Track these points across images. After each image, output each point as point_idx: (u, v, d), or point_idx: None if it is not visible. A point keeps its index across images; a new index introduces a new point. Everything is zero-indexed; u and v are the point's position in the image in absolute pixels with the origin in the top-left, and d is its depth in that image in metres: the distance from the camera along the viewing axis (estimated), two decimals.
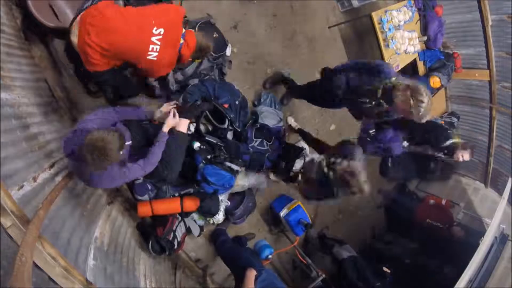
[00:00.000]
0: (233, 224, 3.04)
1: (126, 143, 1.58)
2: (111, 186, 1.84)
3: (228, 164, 2.57)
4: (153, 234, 2.44)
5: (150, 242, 2.39)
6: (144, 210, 2.40)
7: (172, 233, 2.52)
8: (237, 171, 2.61)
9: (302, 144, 3.55)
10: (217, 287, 3.09)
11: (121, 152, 1.47)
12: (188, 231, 2.76)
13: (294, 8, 3.50)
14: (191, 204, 2.58)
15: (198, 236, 2.86)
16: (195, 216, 2.80)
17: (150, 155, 1.71)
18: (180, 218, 2.67)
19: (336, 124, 4.02)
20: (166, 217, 2.55)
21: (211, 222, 2.86)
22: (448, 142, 2.73)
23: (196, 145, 2.55)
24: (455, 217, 4.30)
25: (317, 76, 3.50)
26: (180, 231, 2.62)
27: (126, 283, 1.97)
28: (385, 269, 3.21)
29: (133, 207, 2.50)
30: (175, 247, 2.51)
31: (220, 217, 2.84)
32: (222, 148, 2.59)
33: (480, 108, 4.23)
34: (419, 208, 4.39)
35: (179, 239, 2.56)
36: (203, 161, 2.51)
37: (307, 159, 2.60)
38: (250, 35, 3.17)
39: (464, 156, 2.70)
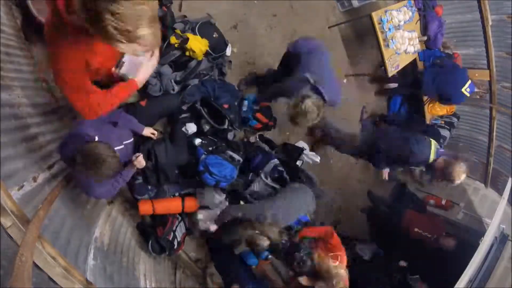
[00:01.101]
0: None
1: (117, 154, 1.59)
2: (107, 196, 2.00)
3: (230, 153, 2.57)
4: (153, 234, 2.44)
5: (150, 242, 2.39)
6: (146, 208, 2.41)
7: (172, 233, 2.52)
8: (238, 161, 2.59)
9: (303, 144, 3.55)
10: (217, 287, 3.09)
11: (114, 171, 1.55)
12: (188, 231, 2.76)
13: (294, 8, 3.50)
14: (191, 204, 2.58)
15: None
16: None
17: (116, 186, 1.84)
18: (180, 218, 2.66)
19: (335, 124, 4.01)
20: (166, 217, 2.55)
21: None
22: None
23: (198, 141, 2.57)
24: (455, 217, 4.30)
25: None
26: (180, 231, 2.62)
27: (126, 283, 1.97)
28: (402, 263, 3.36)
29: (133, 207, 2.50)
30: (175, 247, 2.51)
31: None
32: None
33: (480, 108, 4.23)
34: (407, 214, 3.93)
35: (179, 239, 2.56)
36: (205, 153, 2.52)
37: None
38: (250, 35, 3.17)
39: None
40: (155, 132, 2.20)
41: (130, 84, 1.47)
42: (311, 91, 2.06)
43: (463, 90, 3.41)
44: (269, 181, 2.59)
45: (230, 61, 2.95)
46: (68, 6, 1.01)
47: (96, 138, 1.56)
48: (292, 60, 2.33)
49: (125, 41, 0.89)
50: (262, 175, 2.58)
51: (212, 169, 2.44)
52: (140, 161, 1.92)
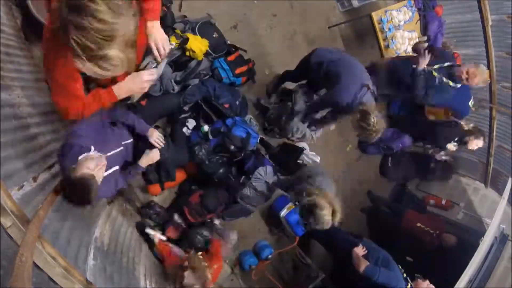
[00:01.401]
0: (224, 220, 3.02)
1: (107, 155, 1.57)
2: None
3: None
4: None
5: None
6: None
7: None
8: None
9: (303, 143, 3.55)
10: (217, 287, 3.08)
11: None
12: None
13: (294, 8, 3.50)
14: (179, 175, 2.66)
15: None
16: None
17: (123, 182, 1.84)
18: None
19: (336, 124, 4.01)
20: None
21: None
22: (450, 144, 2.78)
23: (206, 127, 2.69)
24: (455, 217, 4.30)
25: None
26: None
27: (126, 283, 1.97)
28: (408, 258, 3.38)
29: (133, 207, 2.50)
30: None
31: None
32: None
33: (480, 108, 4.22)
34: (408, 214, 4.03)
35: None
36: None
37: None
38: (250, 35, 3.17)
39: (478, 144, 2.77)
40: (161, 139, 2.09)
41: (109, 94, 1.42)
42: (371, 96, 2.24)
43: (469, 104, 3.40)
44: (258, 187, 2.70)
45: (245, 50, 2.97)
46: None
47: (92, 148, 1.49)
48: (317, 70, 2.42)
49: (84, 59, 0.81)
50: (252, 181, 2.68)
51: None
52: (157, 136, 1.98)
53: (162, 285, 2.40)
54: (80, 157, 1.42)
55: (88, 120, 1.57)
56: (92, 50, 0.79)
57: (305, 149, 3.41)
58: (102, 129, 1.69)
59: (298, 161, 3.22)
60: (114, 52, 0.82)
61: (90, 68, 0.84)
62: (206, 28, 2.64)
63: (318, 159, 3.43)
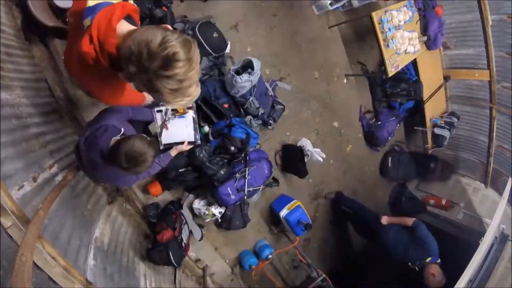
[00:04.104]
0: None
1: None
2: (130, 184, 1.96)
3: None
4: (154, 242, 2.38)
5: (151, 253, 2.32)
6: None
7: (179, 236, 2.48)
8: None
9: (306, 141, 3.55)
10: (217, 287, 3.09)
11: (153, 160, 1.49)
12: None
13: (294, 8, 3.49)
14: (156, 190, 2.60)
15: (200, 240, 2.81)
16: (202, 208, 2.76)
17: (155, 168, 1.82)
18: (184, 220, 2.64)
19: (338, 121, 4.02)
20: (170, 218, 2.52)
21: (209, 215, 2.77)
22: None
23: (206, 128, 2.71)
24: (455, 217, 4.30)
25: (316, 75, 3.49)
26: (185, 233, 2.58)
27: (126, 283, 1.98)
28: None
29: (133, 207, 2.50)
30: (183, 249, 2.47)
31: (217, 211, 2.78)
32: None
33: (480, 108, 4.23)
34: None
35: (185, 241, 2.52)
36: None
37: None
38: (250, 35, 3.17)
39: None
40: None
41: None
42: None
43: None
44: None
45: (231, 57, 2.94)
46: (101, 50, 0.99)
47: (122, 130, 1.54)
48: None
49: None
50: None
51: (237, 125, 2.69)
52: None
53: (162, 285, 2.40)
54: (114, 137, 1.50)
55: (120, 109, 1.68)
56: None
57: (306, 146, 3.43)
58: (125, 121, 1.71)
59: (305, 156, 3.31)
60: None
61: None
62: (206, 28, 2.64)
63: (324, 156, 3.46)
